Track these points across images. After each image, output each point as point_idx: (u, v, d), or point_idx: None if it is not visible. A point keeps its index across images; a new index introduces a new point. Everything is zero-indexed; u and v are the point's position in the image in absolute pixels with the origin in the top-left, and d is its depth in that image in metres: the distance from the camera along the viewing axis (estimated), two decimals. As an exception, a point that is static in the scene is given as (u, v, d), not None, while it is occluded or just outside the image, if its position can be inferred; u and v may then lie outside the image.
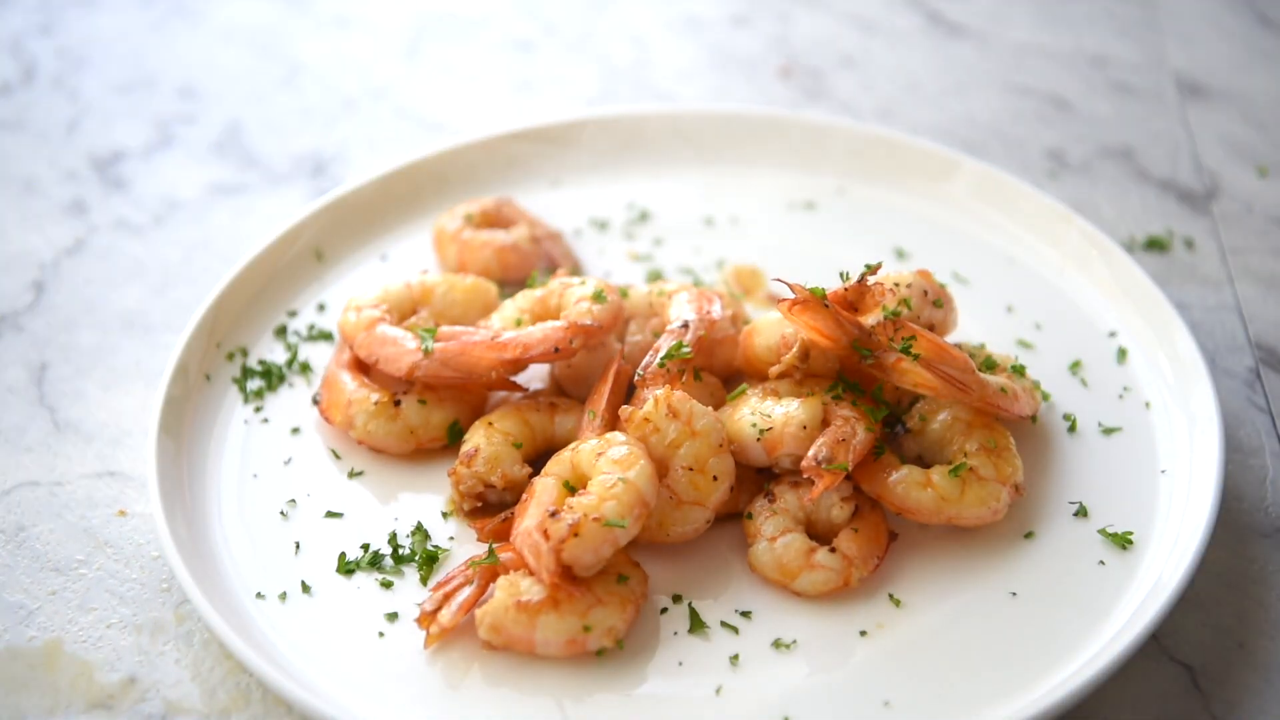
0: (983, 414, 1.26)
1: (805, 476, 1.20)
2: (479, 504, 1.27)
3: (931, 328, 1.29)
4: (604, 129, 1.66)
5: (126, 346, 1.48)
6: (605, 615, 1.14)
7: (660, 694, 1.13)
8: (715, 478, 1.21)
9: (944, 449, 1.26)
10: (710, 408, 1.23)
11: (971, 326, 1.42)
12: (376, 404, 1.31)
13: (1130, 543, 1.22)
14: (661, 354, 1.27)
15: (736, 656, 1.16)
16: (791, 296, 1.23)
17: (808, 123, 1.65)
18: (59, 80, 1.85)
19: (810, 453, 1.20)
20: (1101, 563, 1.21)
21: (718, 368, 1.34)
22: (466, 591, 1.17)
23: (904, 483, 1.22)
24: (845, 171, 1.62)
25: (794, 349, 1.26)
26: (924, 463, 1.26)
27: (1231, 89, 1.84)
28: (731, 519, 1.25)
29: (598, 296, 1.31)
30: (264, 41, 1.95)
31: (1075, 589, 1.19)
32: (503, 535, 1.22)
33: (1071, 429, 1.33)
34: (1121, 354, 1.40)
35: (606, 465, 1.17)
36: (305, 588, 1.21)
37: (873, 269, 1.26)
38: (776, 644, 1.16)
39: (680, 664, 1.15)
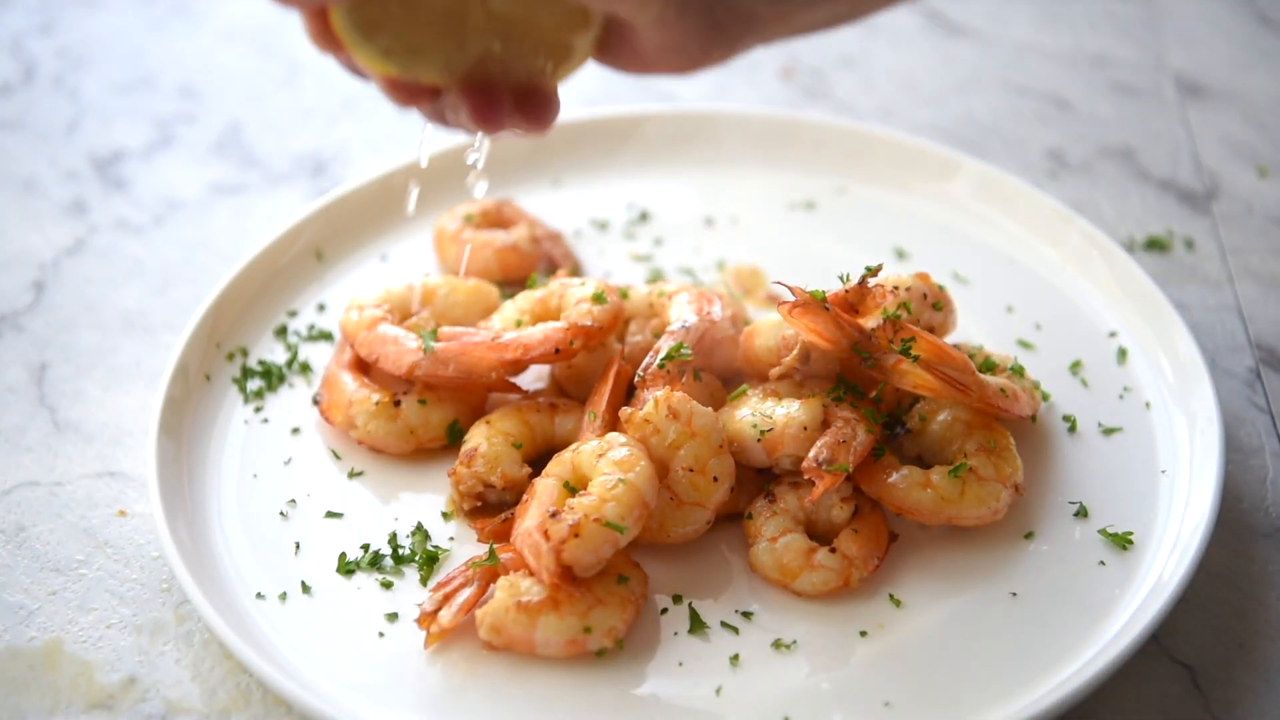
0: (983, 414, 1.26)
1: (806, 478, 1.20)
2: (479, 504, 1.27)
3: (931, 330, 1.29)
4: (604, 129, 1.66)
5: (127, 346, 1.47)
6: (605, 616, 1.15)
7: (660, 694, 1.13)
8: (715, 478, 1.21)
9: (944, 449, 1.26)
10: (710, 409, 1.23)
11: (971, 327, 1.42)
12: (377, 404, 1.31)
13: (1130, 543, 1.22)
14: (662, 355, 1.27)
15: (737, 657, 1.16)
16: (792, 299, 1.23)
17: (808, 123, 1.65)
18: (59, 80, 1.85)
19: (811, 454, 1.20)
20: (1102, 563, 1.21)
21: (718, 368, 1.33)
22: (467, 592, 1.17)
23: (904, 483, 1.22)
24: (845, 171, 1.62)
25: (795, 351, 1.26)
26: (924, 463, 1.26)
27: (1232, 89, 1.84)
28: (732, 519, 1.25)
29: (598, 297, 1.31)
30: (264, 41, 1.95)
31: (1075, 589, 1.19)
32: (503, 536, 1.22)
33: (1072, 429, 1.33)
34: (1122, 354, 1.40)
35: (607, 466, 1.17)
36: (305, 588, 1.21)
37: (873, 271, 1.26)
38: (777, 644, 1.16)
39: (680, 664, 1.15)
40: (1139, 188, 1.70)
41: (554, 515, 1.15)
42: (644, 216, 1.59)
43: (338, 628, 1.18)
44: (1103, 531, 1.23)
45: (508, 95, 1.01)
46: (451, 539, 1.25)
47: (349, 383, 1.34)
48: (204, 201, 1.68)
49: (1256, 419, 1.39)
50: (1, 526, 1.28)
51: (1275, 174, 1.71)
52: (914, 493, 1.21)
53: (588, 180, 1.63)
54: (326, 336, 1.44)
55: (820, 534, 1.22)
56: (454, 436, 1.32)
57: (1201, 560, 1.18)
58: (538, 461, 1.28)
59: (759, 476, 1.27)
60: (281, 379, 1.39)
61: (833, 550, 1.20)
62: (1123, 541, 1.23)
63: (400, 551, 1.24)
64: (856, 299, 1.26)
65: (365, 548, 1.24)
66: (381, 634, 1.17)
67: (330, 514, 1.27)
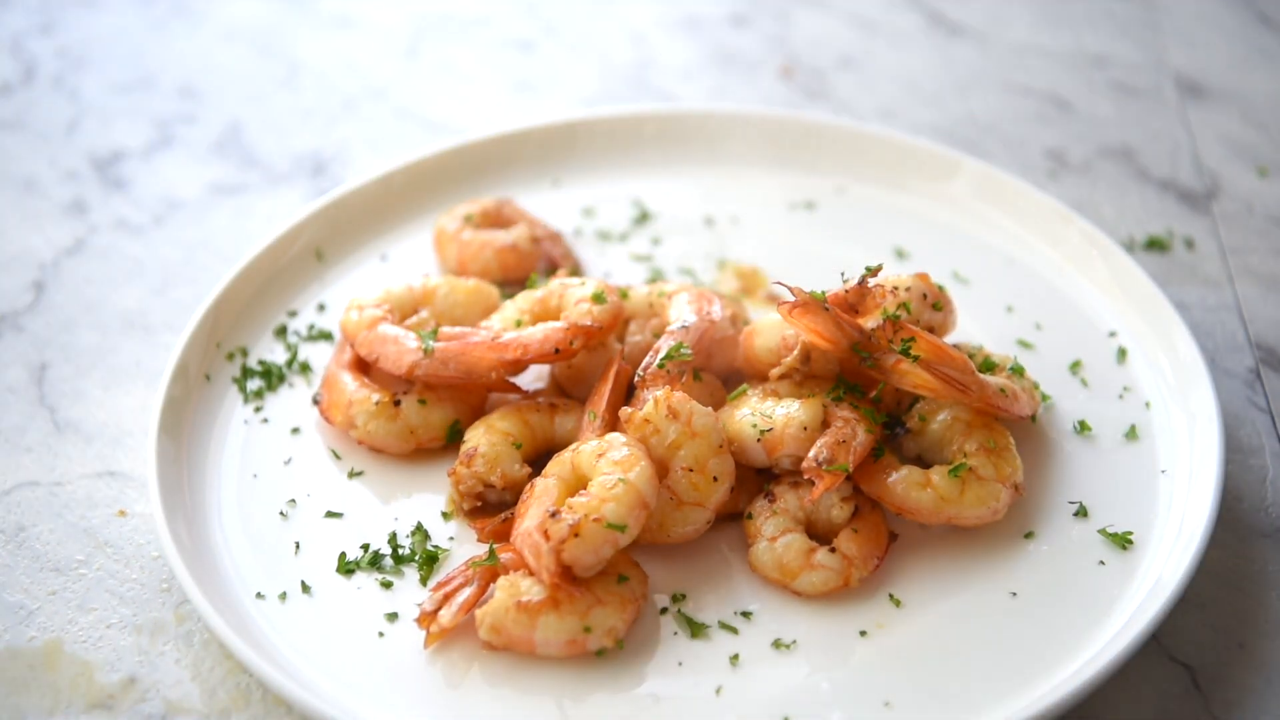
0: (982, 414, 1.26)
1: (805, 478, 1.20)
2: (479, 504, 1.26)
3: (931, 330, 1.29)
4: (604, 129, 1.66)
5: (126, 346, 1.47)
6: (605, 616, 1.14)
7: (660, 694, 1.13)
8: (715, 478, 1.21)
9: (944, 449, 1.26)
10: (710, 408, 1.23)
11: (971, 326, 1.42)
12: (377, 404, 1.31)
13: (1130, 543, 1.22)
14: (661, 355, 1.27)
15: (736, 656, 1.16)
16: (791, 299, 1.23)
17: (808, 123, 1.65)
18: (59, 80, 1.85)
19: (810, 454, 1.20)
20: (1101, 563, 1.21)
21: (718, 368, 1.33)
22: (466, 592, 1.17)
23: (904, 483, 1.22)
24: (845, 171, 1.62)
25: (795, 352, 1.26)
26: (924, 463, 1.26)
27: (1232, 89, 1.84)
28: (732, 519, 1.25)
29: (598, 297, 1.31)
30: (264, 41, 1.94)
31: (1075, 589, 1.19)
32: (503, 536, 1.22)
33: (1071, 429, 1.33)
34: (1121, 354, 1.40)
35: (607, 466, 1.17)
36: (305, 588, 1.21)
37: (873, 271, 1.26)
38: (776, 644, 1.16)
39: (680, 664, 1.15)
40: (1139, 187, 1.69)
41: (554, 515, 1.15)
42: (644, 216, 1.59)
43: (338, 627, 1.18)
44: (1102, 531, 1.23)
45: None
46: (451, 539, 1.25)
47: (349, 382, 1.34)
48: (204, 201, 1.67)
49: (1256, 419, 1.39)
50: (1, 526, 1.28)
51: (1275, 174, 1.71)
52: (914, 493, 1.21)
53: (588, 180, 1.63)
54: (326, 336, 1.44)
55: (820, 534, 1.22)
56: (454, 436, 1.32)
57: (1201, 560, 1.18)
58: (538, 461, 1.28)
59: (759, 476, 1.27)
60: (281, 379, 1.39)
61: (832, 550, 1.20)
62: (1122, 541, 1.22)
63: (400, 551, 1.23)
64: (856, 299, 1.26)
65: (365, 547, 1.24)
66: (381, 634, 1.17)
67: (330, 514, 1.27)
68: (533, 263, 1.50)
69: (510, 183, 1.62)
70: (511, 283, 1.49)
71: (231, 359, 1.40)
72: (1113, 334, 1.42)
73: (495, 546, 1.20)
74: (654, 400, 1.21)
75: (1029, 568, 1.21)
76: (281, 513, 1.27)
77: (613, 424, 1.25)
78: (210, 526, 1.25)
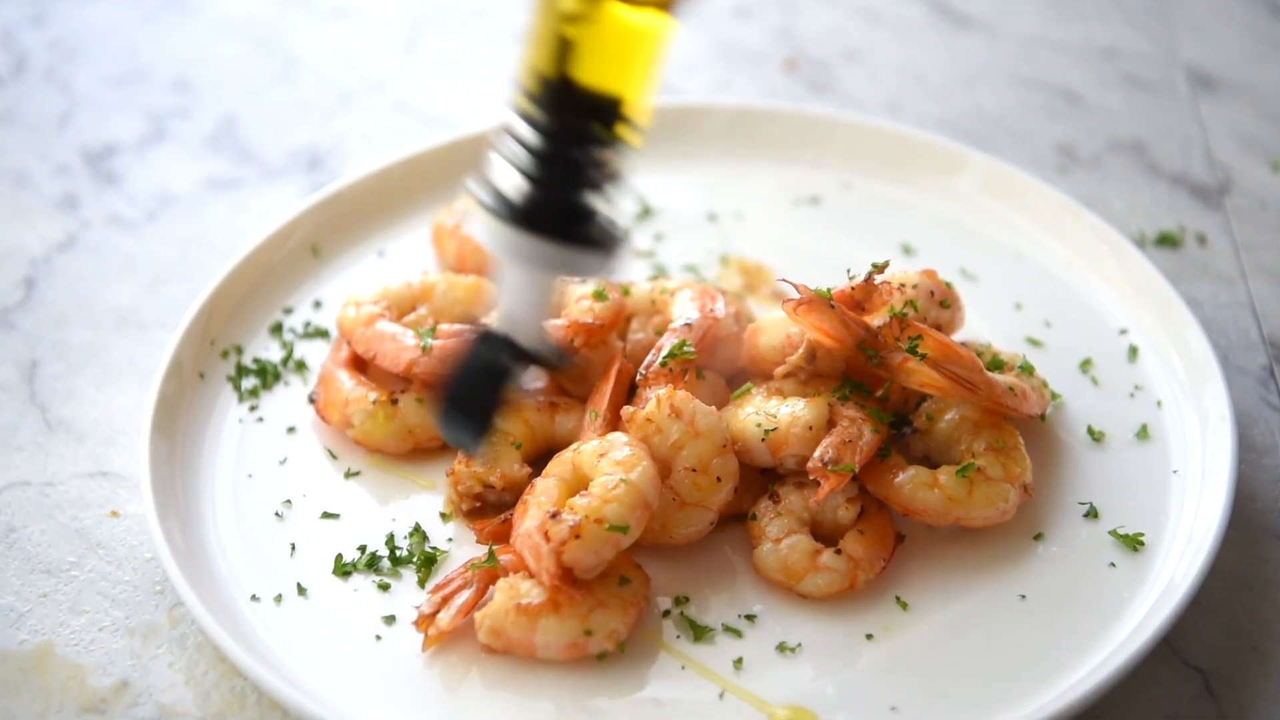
0: (991, 413, 1.25)
1: (811, 478, 1.19)
2: (478, 504, 1.26)
3: (938, 327, 1.28)
4: (605, 123, 1.64)
5: (119, 344, 1.46)
6: (607, 618, 1.13)
7: (662, 698, 1.12)
8: (719, 479, 1.20)
9: (951, 449, 1.25)
10: (714, 408, 1.22)
11: (979, 324, 1.41)
12: (374, 403, 1.30)
13: (1142, 544, 1.21)
14: (664, 353, 1.26)
15: (740, 660, 1.14)
16: (797, 296, 1.22)
17: (813, 116, 1.64)
18: (51, 72, 1.84)
19: (816, 454, 1.19)
20: (1112, 565, 1.20)
21: (721, 367, 1.32)
22: (466, 594, 1.16)
23: (911, 483, 1.21)
24: (851, 166, 1.61)
25: (800, 350, 1.25)
26: (931, 463, 1.25)
27: (1244, 81, 1.83)
28: (735, 520, 1.24)
29: (599, 294, 1.31)
30: (259, 34, 1.93)
31: (1086, 591, 1.18)
32: (502, 537, 1.22)
33: (1082, 429, 1.32)
34: (1133, 352, 1.39)
35: (608, 466, 1.16)
36: (301, 590, 1.20)
37: (879, 267, 1.25)
38: (781, 647, 1.15)
39: (683, 668, 1.14)
40: (1150, 182, 1.68)
41: (554, 516, 1.14)
42: (646, 212, 1.58)
43: (334, 630, 1.17)
44: (1113, 533, 1.22)
45: None
46: (450, 540, 1.24)
47: (346, 381, 1.33)
48: (198, 196, 1.66)
49: (1270, 418, 1.37)
50: (-8, 527, 1.27)
51: (1287, 168, 1.69)
52: (921, 493, 1.20)
53: (589, 175, 1.62)
54: (323, 334, 1.43)
55: (825, 535, 1.21)
56: (452, 436, 1.30)
57: (1214, 562, 1.17)
58: (538, 461, 1.27)
59: (763, 477, 1.26)
60: (277, 377, 1.38)
61: (838, 552, 1.18)
62: (1134, 543, 1.21)
63: (398, 553, 1.22)
64: (862, 296, 1.25)
65: (362, 549, 1.23)
66: (379, 637, 1.16)
67: (326, 514, 1.26)
68: (533, 259, 1.48)
69: (510, 177, 1.61)
70: (511, 279, 1.47)
71: (226, 357, 1.39)
72: (1123, 331, 1.41)
73: (495, 548, 1.19)
74: (656, 399, 1.20)
75: (1038, 570, 1.20)
76: (277, 513, 1.26)
77: (614, 423, 1.24)
78: (204, 527, 1.24)
